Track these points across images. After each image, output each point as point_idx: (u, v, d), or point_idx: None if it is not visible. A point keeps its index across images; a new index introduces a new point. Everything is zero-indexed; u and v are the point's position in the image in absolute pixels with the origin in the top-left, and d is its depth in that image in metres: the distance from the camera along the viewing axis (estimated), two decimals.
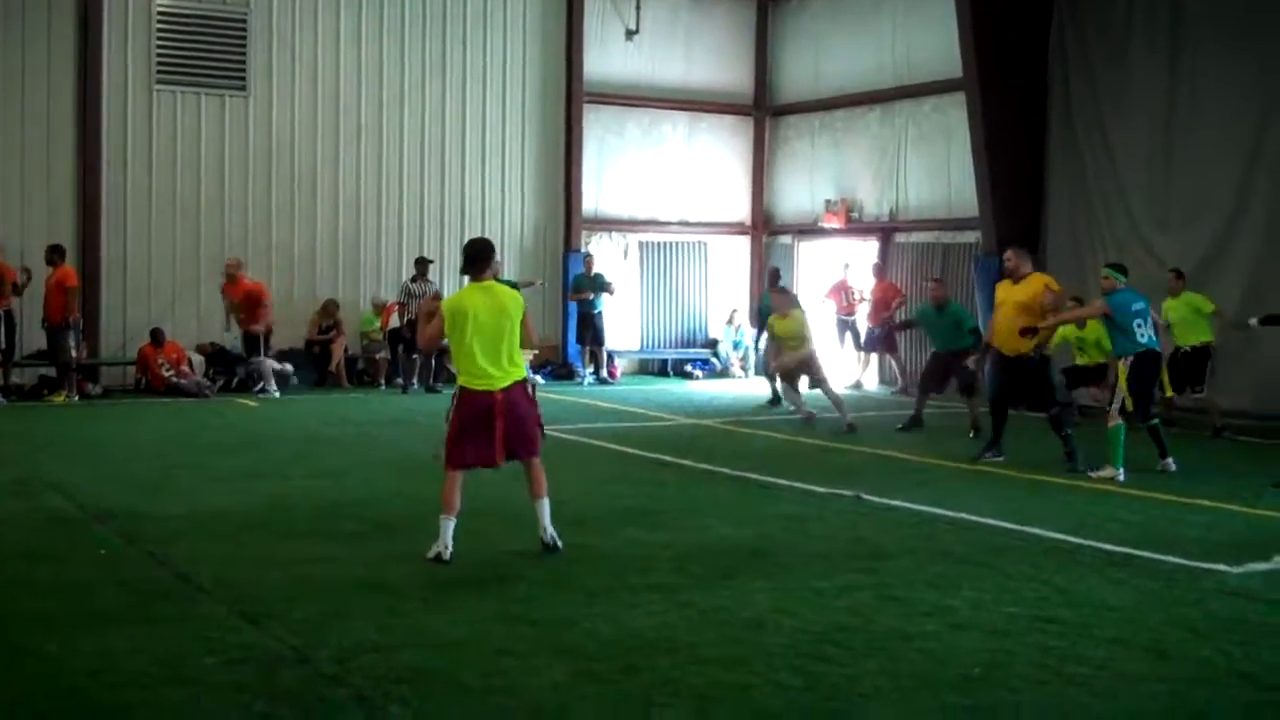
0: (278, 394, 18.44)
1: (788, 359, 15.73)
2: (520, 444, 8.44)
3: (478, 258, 8.50)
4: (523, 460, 8.50)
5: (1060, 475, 11.94)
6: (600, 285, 21.20)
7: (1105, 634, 6.79)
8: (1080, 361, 14.85)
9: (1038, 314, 12.32)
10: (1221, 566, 8.29)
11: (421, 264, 19.77)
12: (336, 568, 8.11)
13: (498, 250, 20.79)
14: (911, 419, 15.46)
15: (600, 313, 21.16)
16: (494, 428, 8.27)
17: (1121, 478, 11.65)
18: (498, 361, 8.31)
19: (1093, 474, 11.87)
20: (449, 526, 8.23)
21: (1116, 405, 11.86)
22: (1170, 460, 12.24)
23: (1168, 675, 6.13)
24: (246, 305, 18.52)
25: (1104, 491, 11.17)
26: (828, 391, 15.65)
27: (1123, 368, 11.89)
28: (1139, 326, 11.88)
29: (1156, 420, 12.45)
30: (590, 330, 21.17)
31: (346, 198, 20.81)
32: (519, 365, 8.47)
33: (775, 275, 19.64)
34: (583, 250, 22.22)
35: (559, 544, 8.46)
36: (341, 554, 8.50)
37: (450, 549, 8.17)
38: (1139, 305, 12.02)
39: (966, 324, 15.24)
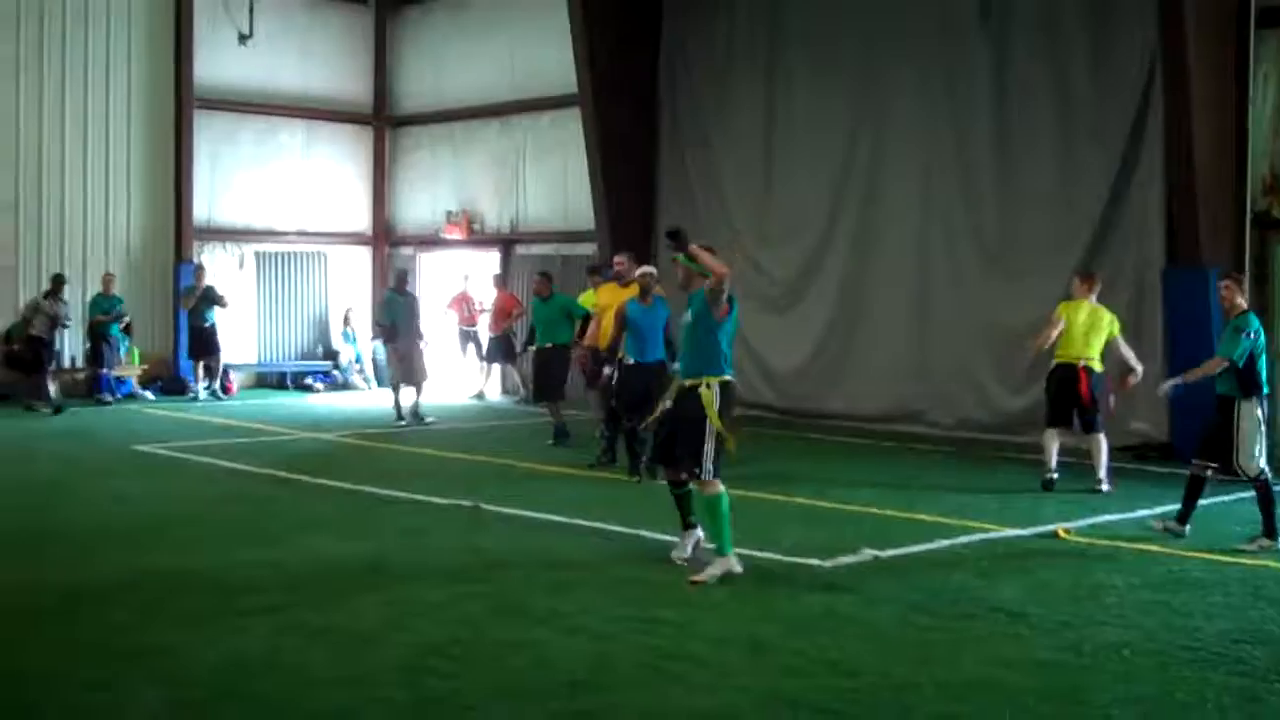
0: None
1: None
2: None
3: None
4: None
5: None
6: (211, 298, 20.33)
7: (707, 631, 7.06)
8: None
9: None
10: (814, 561, 8.77)
11: (57, 279, 18.77)
12: None
13: (104, 261, 20.10)
14: (558, 430, 14.99)
15: (213, 325, 20.36)
16: None
17: None
18: None
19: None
20: None
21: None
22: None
23: (763, 668, 6.43)
24: None
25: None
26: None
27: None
28: None
29: None
30: (202, 343, 20.32)
31: None
32: None
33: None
34: (194, 261, 21.38)
35: None
36: None
37: None
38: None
39: (577, 312, 14.64)
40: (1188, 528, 9.80)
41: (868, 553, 8.96)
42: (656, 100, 19.55)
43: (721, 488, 8.41)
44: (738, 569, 8.29)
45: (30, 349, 18.34)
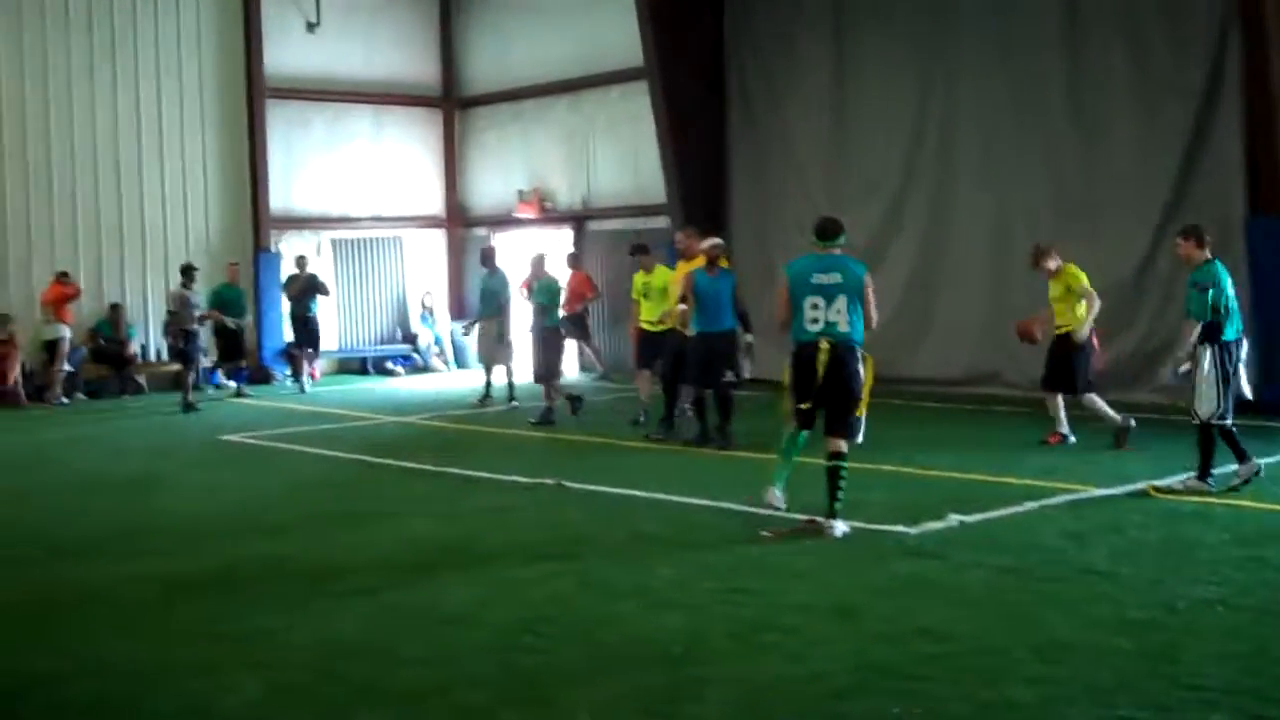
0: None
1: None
2: None
3: None
4: None
5: (748, 450, 12.02)
6: (315, 287, 20.41)
7: (795, 600, 7.06)
8: None
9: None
10: (901, 528, 8.73)
11: (188, 271, 18.63)
12: (4, 594, 7.73)
13: (182, 253, 20.34)
14: (568, 402, 15.09)
15: (315, 315, 20.29)
16: None
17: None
18: None
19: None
20: None
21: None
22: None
23: (852, 635, 6.42)
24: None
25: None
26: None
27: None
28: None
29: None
30: (305, 334, 20.26)
31: (12, 206, 19.60)
32: None
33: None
34: (273, 249, 21.66)
35: None
36: (9, 578, 8.10)
37: None
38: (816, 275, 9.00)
39: (540, 299, 15.30)
40: (1259, 463, 9.78)
41: (954, 518, 8.91)
42: (724, 67, 19.44)
43: (790, 429, 9.12)
44: (778, 504, 9.15)
45: (184, 341, 18.21)
